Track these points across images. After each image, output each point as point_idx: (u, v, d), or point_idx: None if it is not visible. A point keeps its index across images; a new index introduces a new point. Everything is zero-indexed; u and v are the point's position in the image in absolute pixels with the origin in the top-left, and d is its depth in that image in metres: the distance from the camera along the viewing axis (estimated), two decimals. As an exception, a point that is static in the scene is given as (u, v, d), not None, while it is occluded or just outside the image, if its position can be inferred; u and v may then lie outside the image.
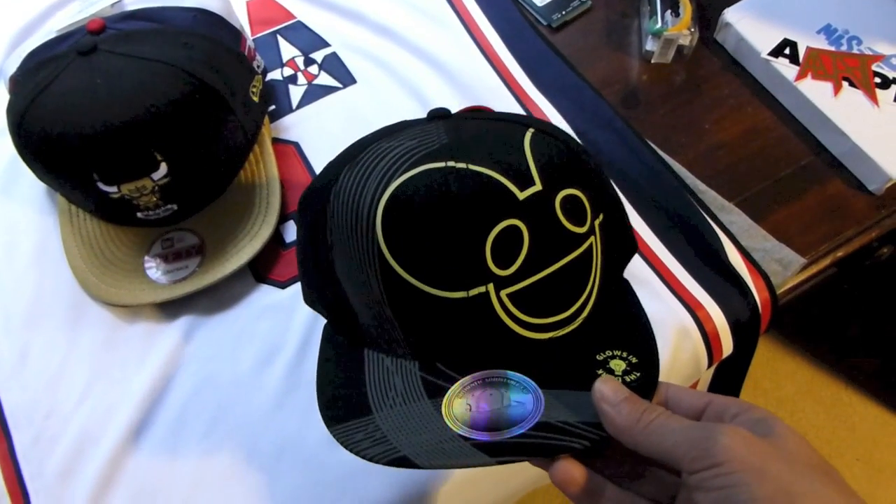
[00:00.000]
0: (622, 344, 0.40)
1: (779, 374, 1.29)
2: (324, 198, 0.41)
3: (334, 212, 0.41)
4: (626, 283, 0.45)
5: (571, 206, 0.40)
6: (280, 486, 0.52)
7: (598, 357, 0.39)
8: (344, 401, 0.40)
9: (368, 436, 0.37)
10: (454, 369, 0.39)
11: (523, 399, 0.37)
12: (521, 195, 0.38)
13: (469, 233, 0.37)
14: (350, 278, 0.41)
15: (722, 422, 0.33)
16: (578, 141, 0.45)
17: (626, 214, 0.47)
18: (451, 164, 0.38)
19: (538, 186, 0.39)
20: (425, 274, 0.38)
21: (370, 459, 0.36)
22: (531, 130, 0.42)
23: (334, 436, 0.38)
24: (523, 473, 0.55)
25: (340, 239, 0.40)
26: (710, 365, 0.58)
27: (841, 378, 1.28)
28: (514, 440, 0.35)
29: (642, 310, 0.43)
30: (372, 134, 0.45)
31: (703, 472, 0.29)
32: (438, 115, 0.44)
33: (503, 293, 0.38)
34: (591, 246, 0.41)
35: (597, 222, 0.42)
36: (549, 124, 0.44)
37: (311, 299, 0.46)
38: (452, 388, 0.38)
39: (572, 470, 0.35)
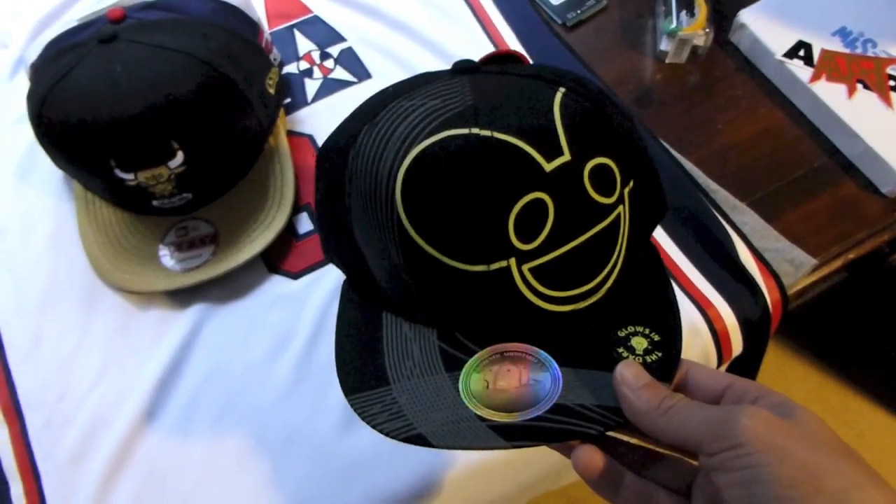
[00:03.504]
0: (645, 319, 0.39)
1: (788, 379, 1.28)
2: (342, 159, 0.40)
3: (352, 175, 0.39)
4: (654, 250, 0.43)
5: (601, 176, 0.38)
6: (288, 475, 0.52)
7: (619, 333, 0.38)
8: (362, 369, 0.39)
9: (385, 409, 0.37)
10: (473, 341, 0.38)
11: (541, 377, 0.36)
12: (549, 167, 0.36)
13: (492, 206, 0.36)
14: (369, 243, 0.40)
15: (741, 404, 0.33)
16: (610, 98, 0.42)
17: (657, 176, 0.44)
18: (475, 131, 0.36)
19: (566, 157, 0.37)
20: (445, 246, 0.37)
21: (386, 434, 0.36)
22: (561, 91, 0.39)
23: (351, 405, 0.38)
24: (528, 469, 0.56)
25: (358, 204, 0.39)
26: (719, 364, 0.58)
27: (850, 385, 1.27)
28: (529, 423, 0.35)
29: (668, 281, 0.41)
30: (392, 87, 0.42)
31: (724, 453, 0.29)
32: (463, 68, 0.41)
33: (525, 268, 0.37)
34: (618, 216, 0.39)
35: (626, 190, 0.40)
36: (580, 79, 0.41)
37: (330, 256, 0.45)
38: (470, 361, 0.38)
39: (594, 457, 0.35)
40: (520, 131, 0.36)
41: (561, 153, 0.37)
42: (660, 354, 0.37)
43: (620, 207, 0.39)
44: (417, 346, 0.39)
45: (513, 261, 0.37)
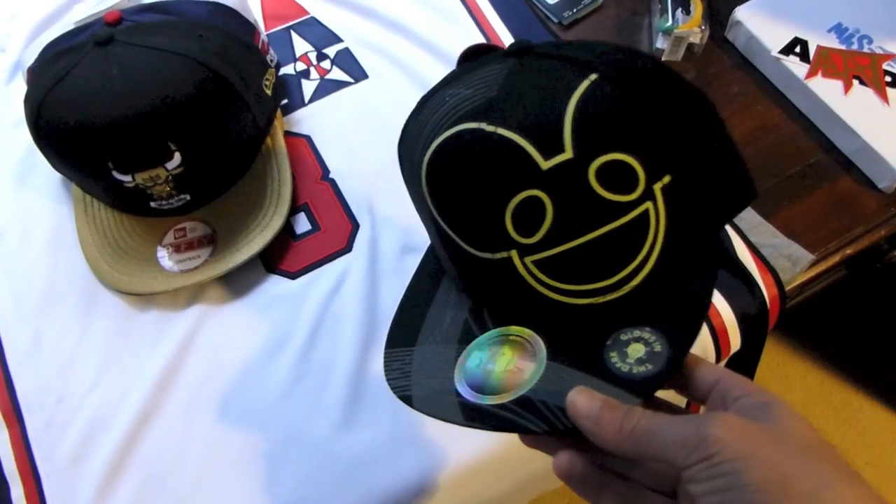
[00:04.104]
0: (660, 324, 0.36)
1: (789, 377, 1.28)
2: (400, 141, 0.44)
3: (402, 159, 0.44)
4: (715, 251, 0.40)
5: (612, 173, 0.36)
6: (287, 473, 0.52)
7: (622, 336, 0.36)
8: (402, 327, 0.43)
9: (401, 367, 0.40)
10: (493, 319, 0.40)
11: (525, 367, 0.37)
12: (545, 164, 0.36)
13: (488, 202, 0.37)
14: (422, 219, 0.44)
15: (725, 402, 0.33)
16: (667, 77, 0.39)
17: (725, 166, 0.40)
18: (482, 125, 0.37)
19: (568, 154, 0.36)
20: (459, 231, 0.39)
21: (391, 389, 0.39)
22: (591, 79, 0.37)
23: (384, 358, 0.41)
24: (526, 468, 0.56)
25: (407, 184, 0.44)
26: (717, 360, 0.58)
27: (851, 382, 1.27)
28: (490, 407, 0.35)
29: (711, 286, 0.38)
30: (450, 73, 0.44)
31: (696, 466, 0.29)
32: (516, 50, 0.40)
33: (528, 260, 0.37)
34: (645, 212, 0.37)
35: (657, 186, 0.37)
36: (625, 60, 0.39)
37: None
38: (476, 340, 0.39)
39: (573, 461, 0.34)
40: (523, 128, 0.36)
41: (562, 150, 0.36)
42: (650, 367, 0.34)
43: (648, 204, 0.37)
44: (451, 314, 0.42)
45: (514, 253, 0.37)
